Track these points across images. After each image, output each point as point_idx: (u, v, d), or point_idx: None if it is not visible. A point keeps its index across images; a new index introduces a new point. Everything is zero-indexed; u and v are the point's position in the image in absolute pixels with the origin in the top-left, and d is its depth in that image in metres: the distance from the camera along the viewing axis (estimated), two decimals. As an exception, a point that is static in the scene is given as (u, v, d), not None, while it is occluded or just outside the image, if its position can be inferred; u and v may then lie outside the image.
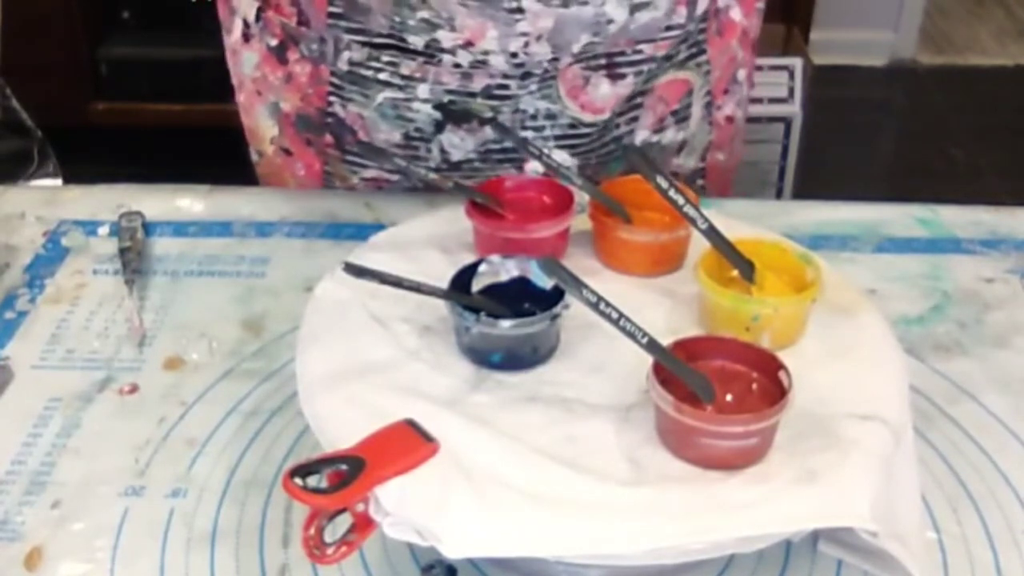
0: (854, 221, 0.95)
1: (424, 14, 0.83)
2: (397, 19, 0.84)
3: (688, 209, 0.67)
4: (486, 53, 0.85)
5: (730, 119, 1.01)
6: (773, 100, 2.20)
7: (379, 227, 0.83)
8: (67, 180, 1.27)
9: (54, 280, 0.88)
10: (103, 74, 2.60)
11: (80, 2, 2.52)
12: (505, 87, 0.87)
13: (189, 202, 0.97)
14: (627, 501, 0.55)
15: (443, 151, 0.91)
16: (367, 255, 0.71)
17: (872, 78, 3.28)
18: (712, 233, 0.67)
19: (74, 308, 0.85)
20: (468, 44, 0.84)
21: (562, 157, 0.90)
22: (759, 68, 2.19)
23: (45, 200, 0.98)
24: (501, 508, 0.54)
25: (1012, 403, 0.76)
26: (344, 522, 0.56)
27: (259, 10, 0.93)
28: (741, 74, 1.00)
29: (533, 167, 0.86)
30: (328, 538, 0.55)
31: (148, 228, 0.93)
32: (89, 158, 1.59)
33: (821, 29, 2.91)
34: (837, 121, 2.88)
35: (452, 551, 0.53)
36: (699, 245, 0.69)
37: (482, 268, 0.66)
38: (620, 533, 0.53)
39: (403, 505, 0.54)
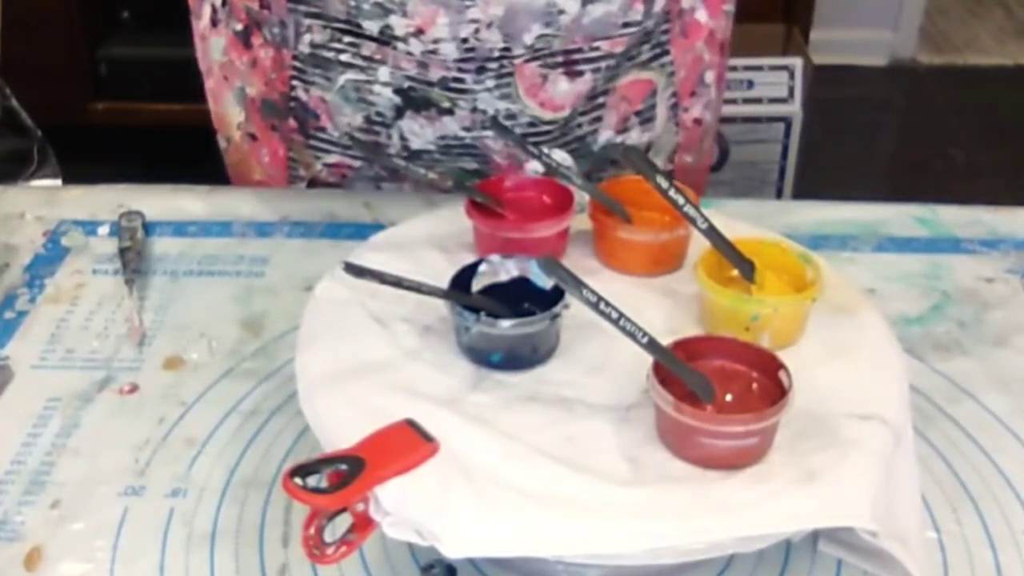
0: (854, 221, 0.95)
1: None
2: (352, 3, 0.85)
3: (688, 209, 0.67)
4: (436, 42, 0.85)
5: (698, 121, 1.01)
6: (773, 100, 2.20)
7: (379, 227, 0.83)
8: (67, 180, 1.27)
9: (54, 280, 0.88)
10: (103, 74, 2.60)
11: (80, 2, 2.52)
12: (460, 80, 0.88)
13: (189, 202, 0.97)
14: (627, 501, 0.55)
15: (403, 138, 0.92)
16: (367, 255, 0.71)
17: (872, 78, 3.28)
18: (712, 233, 0.67)
19: (74, 308, 0.85)
20: (419, 31, 0.84)
21: (562, 157, 0.90)
22: (759, 68, 2.19)
23: (45, 200, 0.98)
24: (501, 508, 0.54)
25: (1012, 403, 0.76)
26: (344, 522, 0.56)
27: None
28: (709, 76, 0.99)
29: (533, 167, 0.86)
30: (328, 538, 0.55)
31: (148, 228, 0.93)
32: (89, 158, 1.59)
33: (821, 29, 2.90)
34: (837, 121, 2.88)
35: (452, 551, 0.53)
36: (699, 245, 0.69)
37: (482, 268, 0.66)
38: (620, 533, 0.53)
39: (403, 505, 0.54)
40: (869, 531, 0.54)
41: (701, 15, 0.95)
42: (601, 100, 0.93)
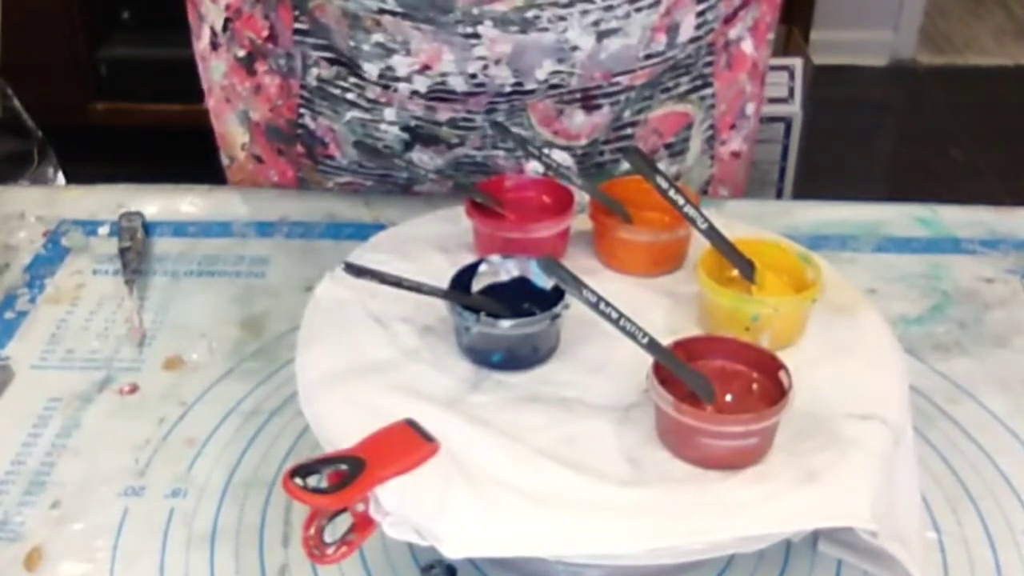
0: (854, 221, 0.95)
1: (379, 38, 0.81)
2: (352, 43, 0.82)
3: (688, 209, 0.67)
4: (444, 75, 0.82)
5: (736, 154, 0.97)
6: (773, 100, 2.20)
7: (379, 227, 0.83)
8: (67, 180, 1.27)
9: (54, 280, 0.88)
10: (103, 74, 2.60)
11: (80, 2, 2.52)
12: (470, 120, 0.85)
13: (189, 202, 0.97)
14: (627, 501, 0.55)
15: (414, 165, 0.90)
16: (367, 255, 0.71)
17: (872, 78, 3.28)
18: (712, 233, 0.67)
19: (74, 308, 0.85)
20: (425, 68, 0.82)
21: (562, 157, 0.90)
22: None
23: (45, 200, 0.98)
24: (501, 508, 0.54)
25: (1012, 403, 0.76)
26: (344, 522, 0.56)
27: (227, 20, 0.91)
28: (749, 108, 0.96)
29: (533, 167, 0.86)
30: (328, 538, 0.55)
31: (148, 228, 0.93)
32: (89, 158, 1.59)
33: (821, 29, 2.91)
34: (837, 121, 2.88)
35: (452, 551, 0.53)
36: (699, 245, 0.69)
37: (482, 268, 0.66)
38: (620, 533, 0.53)
39: (403, 505, 0.54)
40: (869, 531, 0.54)
41: (747, 46, 0.92)
42: (629, 131, 0.90)
